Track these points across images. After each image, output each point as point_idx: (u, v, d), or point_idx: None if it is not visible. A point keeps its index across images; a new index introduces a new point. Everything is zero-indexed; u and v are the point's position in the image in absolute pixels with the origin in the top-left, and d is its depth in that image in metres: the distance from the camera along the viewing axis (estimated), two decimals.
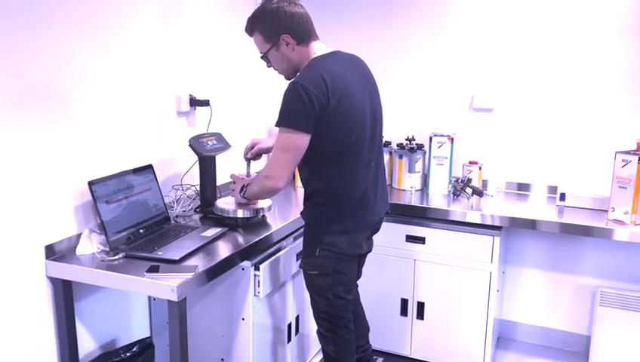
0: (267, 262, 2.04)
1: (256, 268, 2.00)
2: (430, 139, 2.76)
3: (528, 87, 2.72)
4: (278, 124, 1.74)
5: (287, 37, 1.78)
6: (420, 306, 2.60)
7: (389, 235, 2.58)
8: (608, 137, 2.60)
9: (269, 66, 1.91)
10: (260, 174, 1.89)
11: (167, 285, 1.58)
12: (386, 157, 2.88)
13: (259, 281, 2.00)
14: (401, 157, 2.82)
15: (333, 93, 1.71)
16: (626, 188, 2.24)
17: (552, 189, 2.71)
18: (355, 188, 1.84)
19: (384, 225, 2.47)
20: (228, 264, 1.87)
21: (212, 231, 2.00)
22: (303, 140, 1.73)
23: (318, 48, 1.83)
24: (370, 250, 2.03)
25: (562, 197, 2.54)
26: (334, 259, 1.87)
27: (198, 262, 1.75)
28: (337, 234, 1.85)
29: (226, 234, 2.04)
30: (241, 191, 2.02)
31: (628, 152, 2.25)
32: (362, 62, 1.92)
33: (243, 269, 1.99)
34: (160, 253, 1.78)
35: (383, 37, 2.95)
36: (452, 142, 2.74)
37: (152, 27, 2.15)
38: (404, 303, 2.63)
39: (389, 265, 2.63)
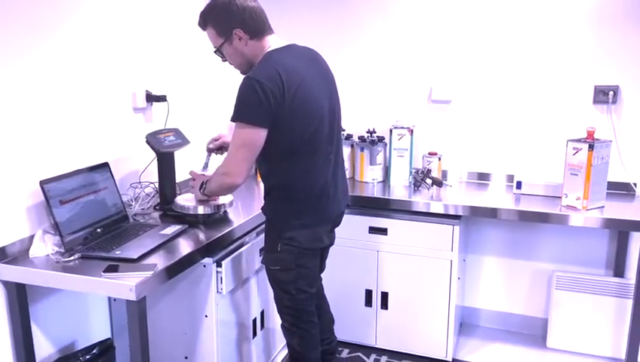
0: (229, 259, 2.03)
1: (218, 265, 1.99)
2: (390, 131, 2.79)
3: (485, 79, 2.78)
4: (233, 119, 1.73)
5: (239, 31, 1.77)
6: (384, 296, 2.64)
7: (352, 227, 2.60)
8: (561, 126, 2.68)
9: (223, 61, 1.89)
10: (217, 171, 1.87)
11: (125, 284, 1.55)
12: (348, 150, 2.90)
13: (221, 278, 1.99)
14: (362, 149, 2.84)
15: (288, 87, 1.71)
16: (577, 175, 2.32)
17: (510, 178, 2.79)
18: (314, 182, 1.85)
19: (347, 217, 2.49)
20: (189, 261, 1.84)
21: (172, 229, 1.97)
22: (259, 135, 1.73)
23: (273, 42, 1.82)
24: (331, 244, 2.05)
25: (518, 185, 2.61)
26: (296, 254, 1.87)
27: (158, 261, 1.72)
28: (298, 228, 1.85)
29: (186, 231, 2.02)
30: (200, 188, 2.00)
31: (579, 140, 2.33)
32: (318, 56, 1.92)
33: (205, 266, 1.97)
34: (118, 252, 1.74)
35: (341, 30, 2.96)
36: (412, 134, 2.77)
37: (106, 21, 2.10)
38: (369, 294, 2.66)
39: (352, 257, 2.65)
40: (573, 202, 2.34)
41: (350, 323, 2.71)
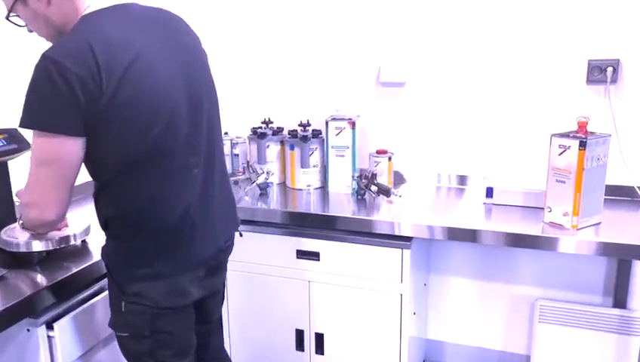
0: (69, 317, 1.43)
1: (49, 327, 1.39)
2: (327, 124, 2.18)
3: (447, 55, 2.17)
4: (24, 125, 1.12)
5: None
6: (319, 338, 2.06)
7: (275, 251, 2.01)
8: (546, 115, 2.09)
9: (30, 31, 1.27)
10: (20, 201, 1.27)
11: None
12: (277, 147, 2.29)
13: (55, 345, 1.40)
14: (292, 147, 2.23)
15: (109, 69, 1.09)
16: (564, 182, 1.72)
17: (482, 182, 2.19)
18: (167, 210, 1.24)
19: (269, 238, 1.93)
20: None
21: None
22: (68, 147, 1.12)
23: (94, 0, 1.20)
24: (212, 292, 1.45)
25: (489, 192, 2.01)
26: (149, 316, 1.27)
27: None
28: (147, 280, 1.25)
29: (4, 278, 1.41)
30: (20, 218, 1.40)
31: (567, 135, 1.72)
32: (174, 20, 1.30)
33: (28, 331, 1.38)
34: None
35: None
36: (353, 128, 2.16)
37: None
38: (300, 335, 2.08)
39: (278, 289, 2.06)
40: (559, 218, 1.74)
41: None
